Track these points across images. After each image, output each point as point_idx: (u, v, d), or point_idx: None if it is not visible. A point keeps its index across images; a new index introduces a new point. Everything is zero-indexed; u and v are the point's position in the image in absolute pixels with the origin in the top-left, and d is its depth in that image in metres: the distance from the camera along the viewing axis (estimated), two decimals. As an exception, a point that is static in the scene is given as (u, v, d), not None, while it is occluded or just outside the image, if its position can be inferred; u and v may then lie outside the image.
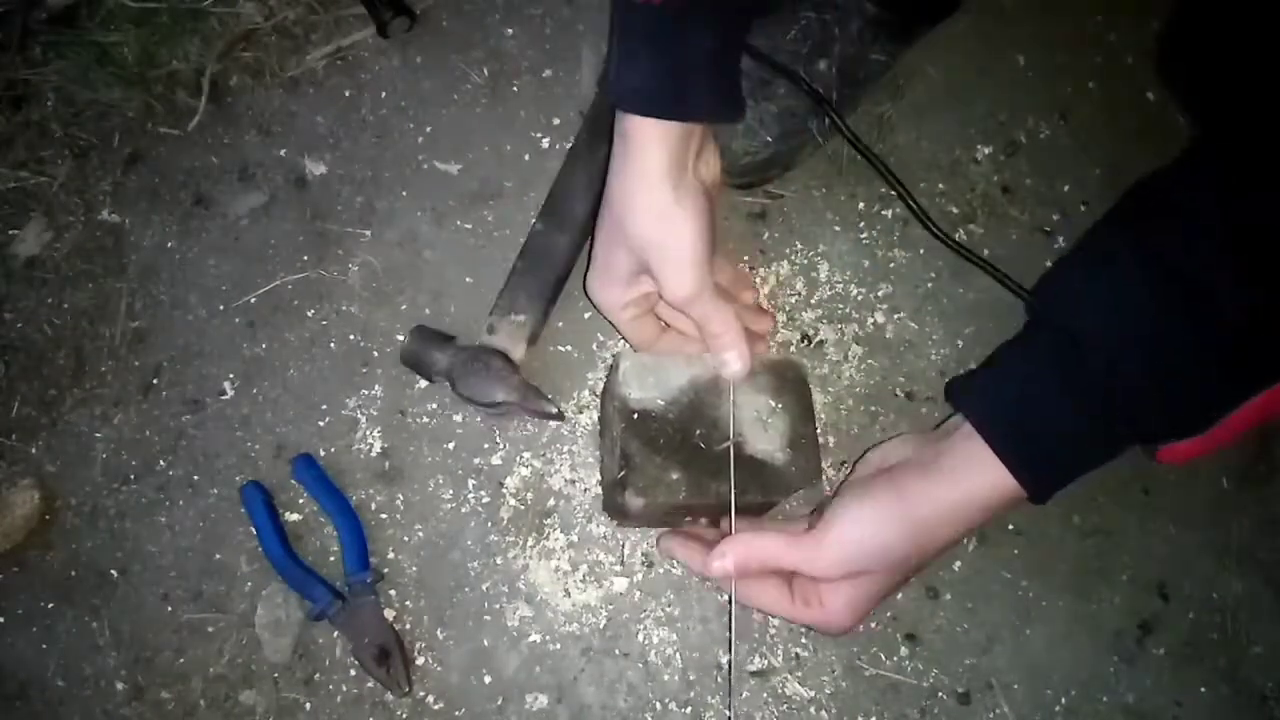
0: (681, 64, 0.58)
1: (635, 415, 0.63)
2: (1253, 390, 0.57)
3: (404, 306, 0.78)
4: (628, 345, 0.77)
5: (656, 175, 0.60)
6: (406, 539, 0.73)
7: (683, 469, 0.63)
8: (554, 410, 0.72)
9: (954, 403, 0.64)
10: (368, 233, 0.80)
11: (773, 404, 0.66)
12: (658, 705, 0.70)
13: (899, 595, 0.73)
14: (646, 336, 0.69)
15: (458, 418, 0.75)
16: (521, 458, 0.75)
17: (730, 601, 0.67)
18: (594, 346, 0.77)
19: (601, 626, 0.71)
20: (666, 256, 0.61)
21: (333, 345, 0.77)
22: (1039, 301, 0.67)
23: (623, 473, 0.62)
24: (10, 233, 0.81)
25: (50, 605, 0.72)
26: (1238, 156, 0.54)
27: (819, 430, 0.69)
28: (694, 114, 0.60)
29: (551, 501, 0.74)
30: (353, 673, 0.70)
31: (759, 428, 0.65)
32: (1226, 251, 0.52)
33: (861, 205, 0.81)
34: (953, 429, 0.63)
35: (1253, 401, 0.59)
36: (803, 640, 0.72)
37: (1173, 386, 0.55)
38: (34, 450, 0.76)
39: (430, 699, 0.70)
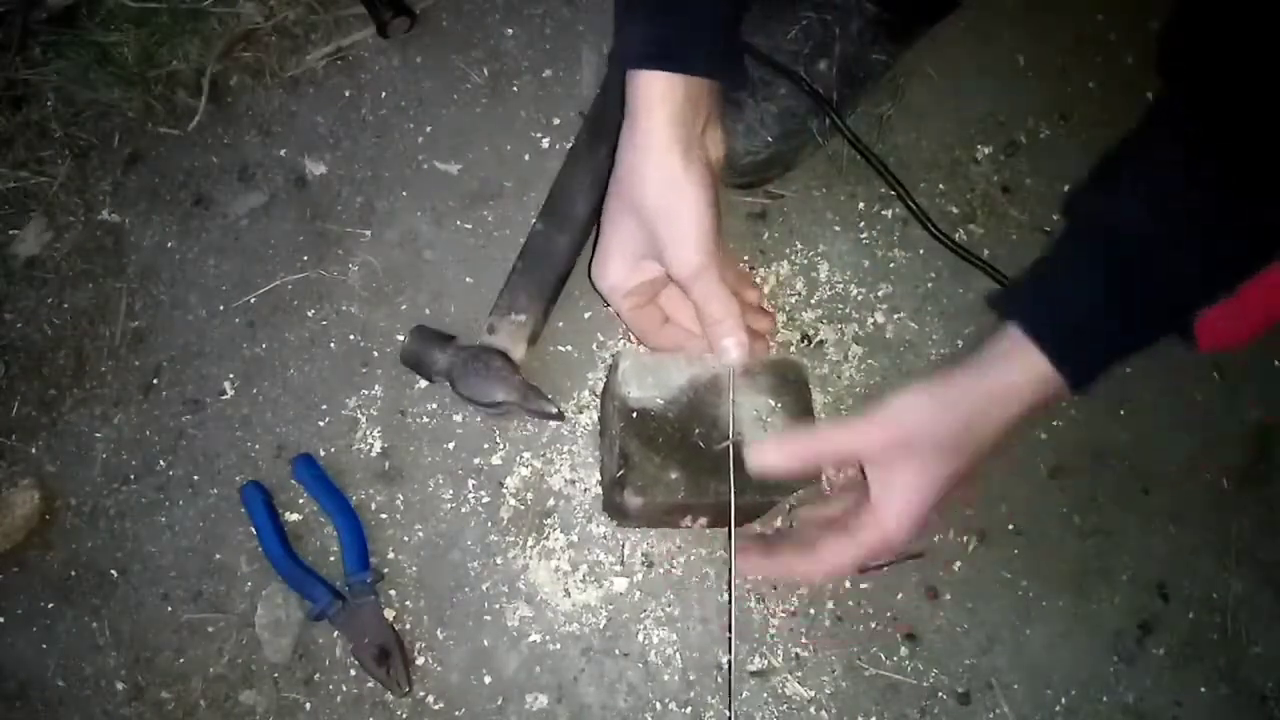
0: (683, 19, 0.60)
1: (634, 414, 0.63)
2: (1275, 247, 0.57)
3: (404, 306, 0.78)
4: (628, 345, 0.77)
5: (665, 142, 0.60)
6: (406, 539, 0.73)
7: (682, 468, 0.63)
8: (554, 410, 0.72)
9: (991, 305, 0.63)
10: (368, 233, 0.80)
11: (772, 403, 0.66)
12: (658, 705, 0.70)
13: (899, 594, 0.73)
14: (648, 327, 0.69)
15: (458, 418, 0.75)
16: (521, 458, 0.75)
17: (730, 602, 0.67)
18: (594, 346, 0.77)
19: (601, 626, 0.71)
20: (675, 226, 0.61)
21: (333, 345, 0.77)
22: (1069, 209, 0.67)
23: (622, 471, 0.62)
24: (10, 233, 0.81)
25: (50, 605, 0.72)
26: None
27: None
28: (695, 67, 0.60)
29: (551, 501, 0.74)
30: (353, 673, 0.70)
31: (758, 427, 0.65)
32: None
33: (861, 205, 0.81)
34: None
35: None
36: (803, 640, 0.72)
37: (1202, 250, 0.56)
38: (34, 450, 0.76)
39: (430, 699, 0.70)
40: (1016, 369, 0.58)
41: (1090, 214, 0.61)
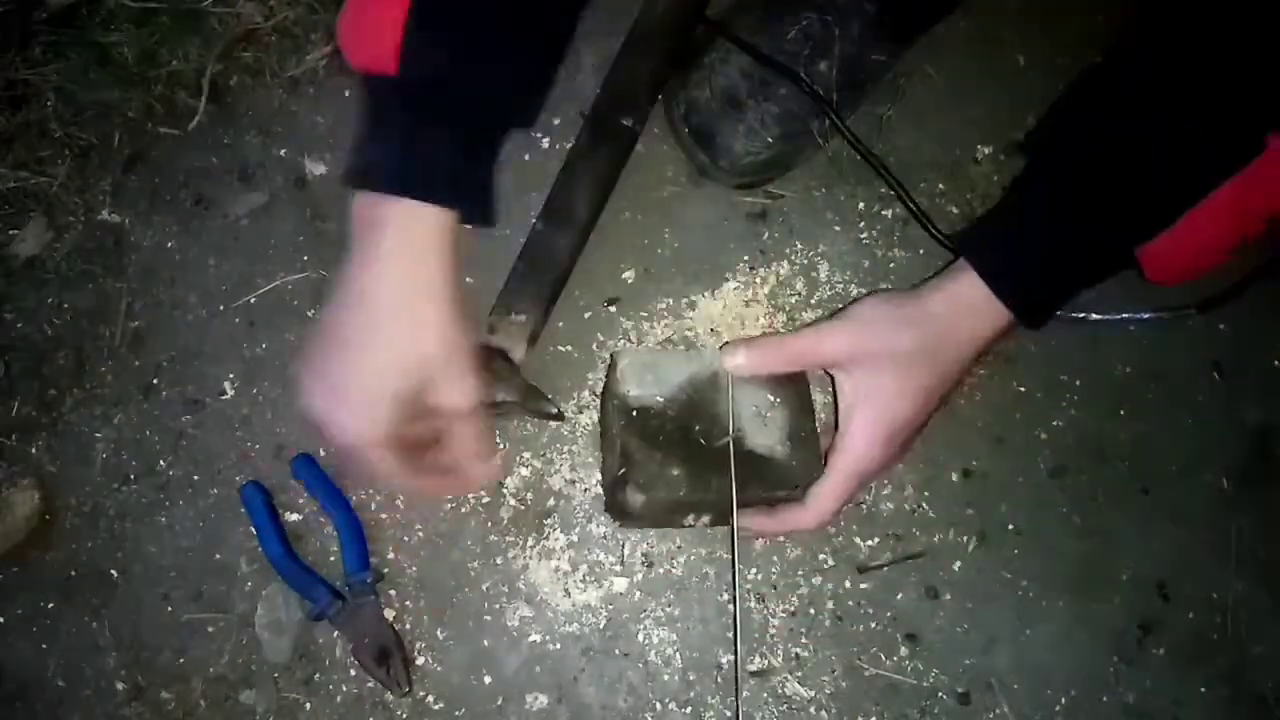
0: (426, 143, 0.55)
1: (634, 412, 0.63)
2: (1213, 175, 0.59)
3: (404, 306, 0.78)
4: (626, 344, 0.77)
5: (442, 284, 0.56)
6: (406, 539, 0.73)
7: (683, 465, 0.63)
8: (554, 410, 0.71)
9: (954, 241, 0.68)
10: (368, 233, 0.80)
11: (771, 399, 0.66)
12: (658, 705, 0.70)
13: (899, 594, 0.73)
14: (417, 477, 0.60)
15: (458, 418, 0.75)
16: (521, 458, 0.75)
17: (734, 601, 0.67)
18: (594, 346, 0.77)
19: (601, 626, 0.71)
20: (454, 367, 0.57)
21: (333, 345, 0.77)
22: (1025, 146, 0.72)
23: (623, 470, 0.63)
24: (10, 233, 0.81)
25: (50, 605, 0.72)
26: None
27: (819, 429, 0.69)
28: (437, 195, 0.55)
29: (551, 501, 0.74)
30: (353, 673, 0.70)
31: (758, 423, 0.65)
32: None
33: (861, 205, 0.81)
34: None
35: (1222, 203, 0.60)
36: (803, 640, 0.72)
37: (1139, 175, 0.59)
38: (34, 450, 0.76)
39: (430, 699, 0.70)
40: (968, 303, 0.62)
41: (1040, 150, 0.66)
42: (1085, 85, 0.65)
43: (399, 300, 0.55)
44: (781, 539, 0.73)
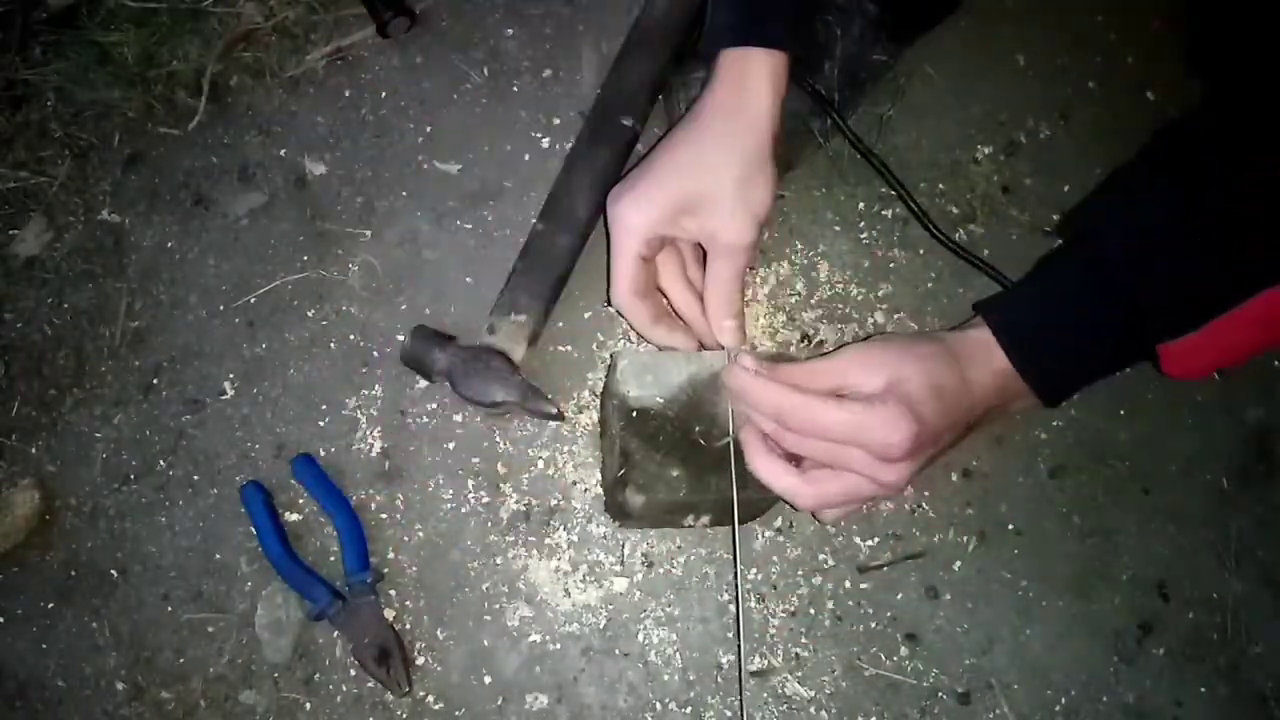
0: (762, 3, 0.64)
1: (634, 413, 0.63)
2: (1250, 287, 0.59)
3: (404, 306, 0.78)
4: (626, 344, 0.77)
5: (769, 121, 0.64)
6: (406, 539, 0.73)
7: (683, 466, 0.63)
8: (554, 410, 0.72)
9: (975, 309, 0.66)
10: (368, 233, 0.80)
11: None
12: (658, 705, 0.70)
13: (899, 594, 0.73)
14: (645, 317, 0.68)
15: (458, 418, 0.75)
16: (522, 457, 0.75)
17: (737, 601, 0.67)
18: (594, 346, 0.77)
19: (601, 626, 0.71)
20: (748, 198, 0.63)
21: (333, 345, 0.77)
22: (1063, 227, 0.71)
23: (623, 471, 0.63)
24: (10, 233, 0.81)
25: (50, 605, 0.72)
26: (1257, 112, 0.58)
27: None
28: (792, 44, 0.64)
29: (552, 501, 0.74)
30: (353, 673, 0.70)
31: None
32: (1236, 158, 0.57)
33: (861, 205, 0.81)
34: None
35: (1253, 314, 0.60)
36: (803, 640, 0.72)
37: (1176, 276, 0.59)
38: (34, 450, 0.76)
39: (430, 699, 0.70)
40: (983, 362, 0.61)
41: (1075, 235, 0.65)
42: (1131, 173, 0.66)
43: (722, 122, 0.64)
44: (775, 531, 0.72)
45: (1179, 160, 0.61)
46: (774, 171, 0.65)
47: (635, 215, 0.65)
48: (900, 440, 0.56)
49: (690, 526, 0.69)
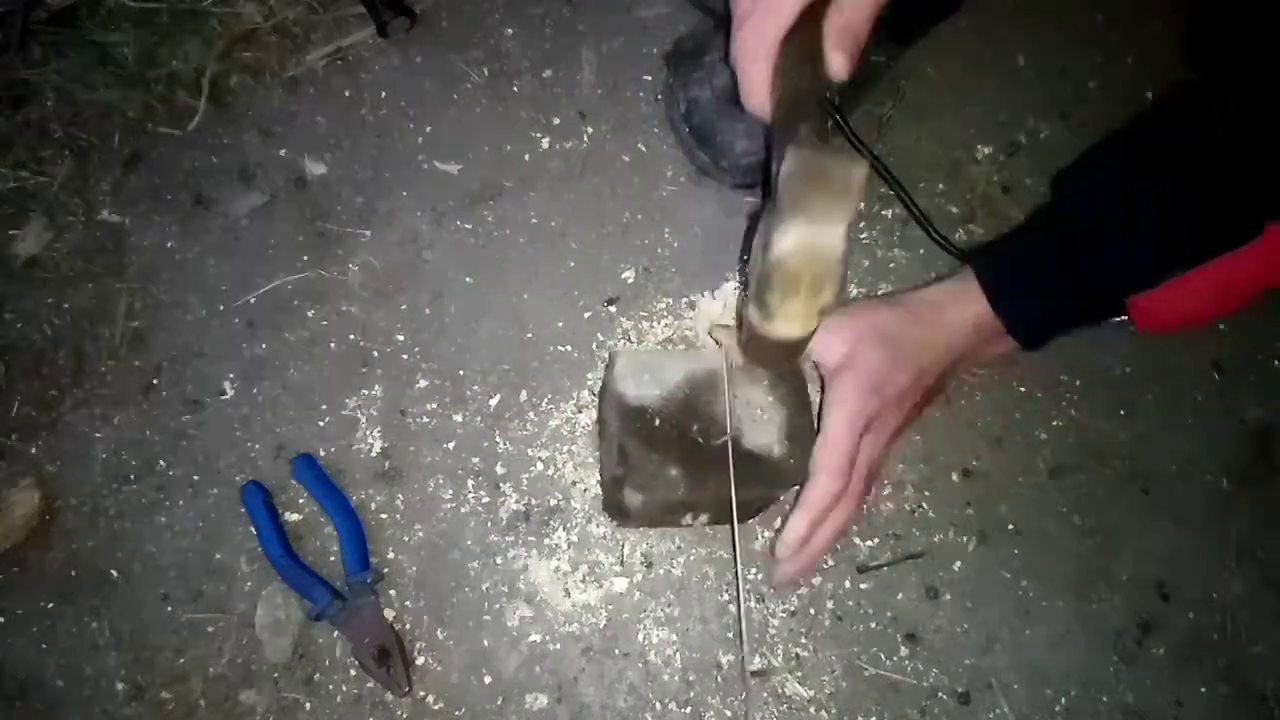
0: None
1: (632, 412, 0.63)
2: (1213, 250, 0.65)
3: (404, 306, 0.78)
4: (625, 344, 0.77)
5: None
6: (406, 539, 0.73)
7: (681, 465, 0.63)
8: None
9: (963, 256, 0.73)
10: (368, 233, 0.80)
11: (769, 397, 0.66)
12: (658, 705, 0.70)
13: (899, 594, 0.73)
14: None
15: (458, 418, 0.75)
16: (522, 457, 0.75)
17: (738, 601, 0.67)
18: (594, 346, 0.77)
19: (601, 626, 0.71)
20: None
21: (333, 345, 0.77)
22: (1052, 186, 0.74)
23: (621, 470, 0.63)
24: (10, 233, 0.80)
25: (50, 605, 0.72)
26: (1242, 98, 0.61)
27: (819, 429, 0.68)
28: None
29: (552, 501, 0.74)
30: (353, 673, 0.70)
31: (756, 422, 0.65)
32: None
33: (861, 205, 0.81)
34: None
35: (1218, 274, 0.66)
36: (803, 640, 0.72)
37: (1142, 240, 0.64)
38: (34, 450, 0.76)
39: (430, 699, 0.70)
40: (963, 308, 0.68)
41: (1060, 193, 0.70)
42: (1119, 139, 0.68)
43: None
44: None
45: (1159, 135, 0.65)
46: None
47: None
48: (870, 405, 0.64)
49: (689, 525, 0.69)
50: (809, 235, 0.50)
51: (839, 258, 0.52)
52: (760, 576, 0.73)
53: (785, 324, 0.55)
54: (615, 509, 0.68)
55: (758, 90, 0.60)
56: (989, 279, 0.67)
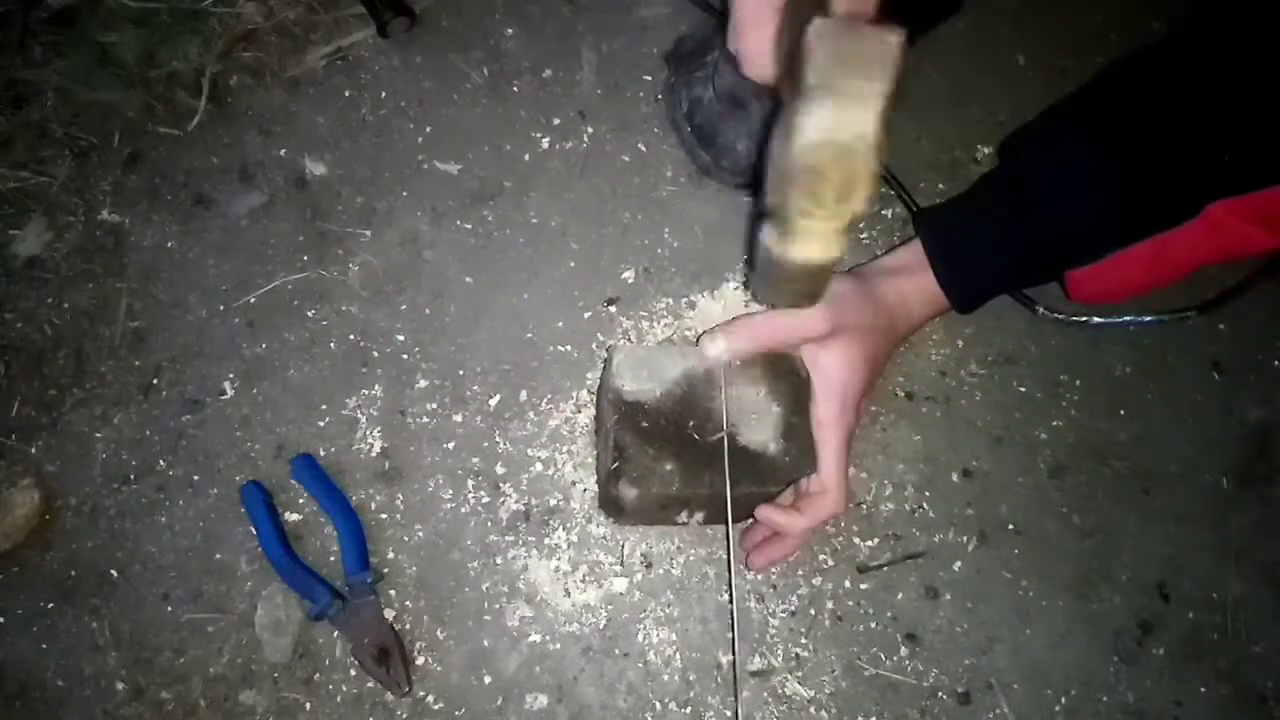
0: None
1: (629, 407, 0.64)
2: (1153, 222, 0.65)
3: (404, 306, 0.78)
4: (623, 340, 0.77)
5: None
6: (406, 539, 0.73)
7: (676, 460, 0.63)
8: None
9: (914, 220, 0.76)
10: (368, 233, 0.80)
11: (766, 394, 0.66)
12: (658, 705, 0.70)
13: (899, 594, 0.73)
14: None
15: (458, 418, 0.75)
16: (522, 457, 0.75)
17: (731, 597, 0.67)
18: (593, 346, 0.77)
19: (601, 626, 0.71)
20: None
21: (333, 345, 0.77)
22: (1000, 150, 0.76)
23: (616, 464, 0.63)
24: (10, 233, 0.80)
25: (50, 605, 0.72)
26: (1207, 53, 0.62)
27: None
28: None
29: (552, 501, 0.74)
30: (353, 673, 0.70)
31: (752, 418, 0.65)
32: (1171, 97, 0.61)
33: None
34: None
35: (1146, 254, 0.66)
36: (802, 640, 0.72)
37: (1082, 212, 0.65)
38: (34, 450, 0.76)
39: (430, 699, 0.70)
40: (917, 279, 0.70)
41: (1007, 158, 0.71)
42: (1064, 108, 0.70)
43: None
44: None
45: (1110, 104, 0.66)
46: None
47: None
48: (854, 419, 0.68)
49: (684, 524, 0.69)
50: (837, 120, 0.42)
51: (873, 149, 0.43)
52: (760, 576, 0.72)
53: (806, 244, 0.48)
54: (610, 503, 0.68)
55: (760, 55, 0.54)
56: (935, 252, 0.70)
